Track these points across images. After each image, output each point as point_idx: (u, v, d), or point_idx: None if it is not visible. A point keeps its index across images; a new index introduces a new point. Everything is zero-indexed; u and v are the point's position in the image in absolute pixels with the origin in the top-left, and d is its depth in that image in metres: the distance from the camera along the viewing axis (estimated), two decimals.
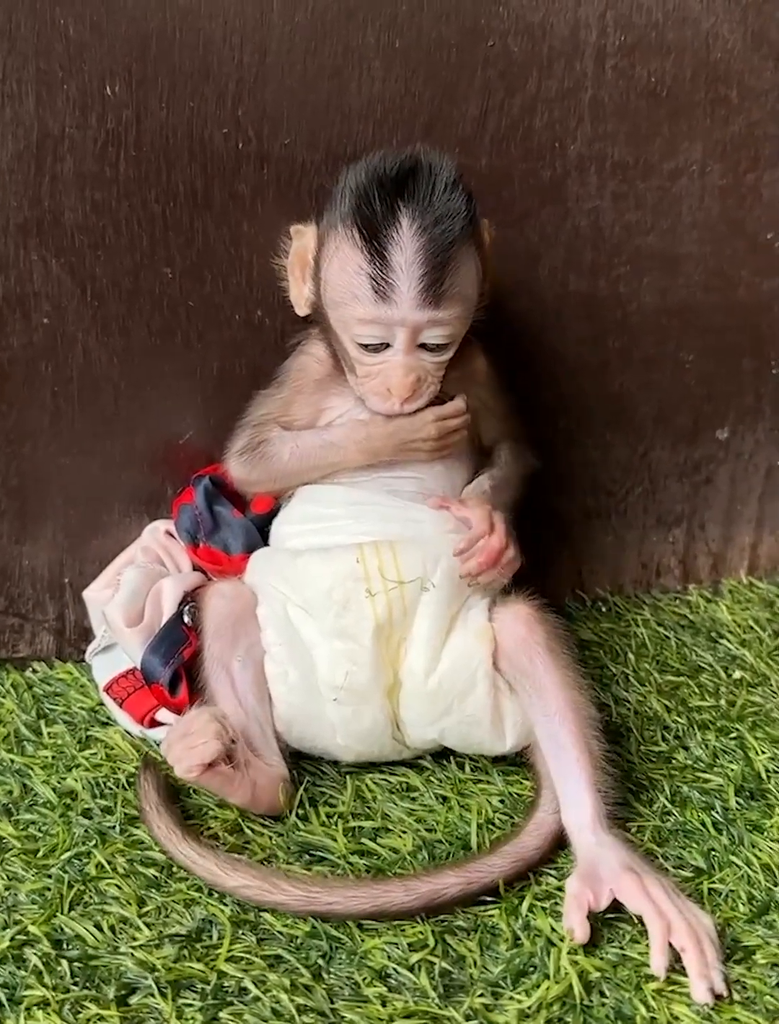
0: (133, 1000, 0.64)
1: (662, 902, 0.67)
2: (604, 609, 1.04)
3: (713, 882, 0.73)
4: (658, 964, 0.65)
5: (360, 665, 0.77)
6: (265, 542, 0.87)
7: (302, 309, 0.83)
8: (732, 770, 0.82)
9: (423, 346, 0.77)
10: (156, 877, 0.72)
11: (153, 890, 0.71)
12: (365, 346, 0.77)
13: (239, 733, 0.76)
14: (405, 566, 0.77)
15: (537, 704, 0.76)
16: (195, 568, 0.89)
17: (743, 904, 0.71)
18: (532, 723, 0.77)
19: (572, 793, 0.73)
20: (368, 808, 0.79)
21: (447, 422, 0.80)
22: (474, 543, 0.78)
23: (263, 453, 0.83)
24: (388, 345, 0.77)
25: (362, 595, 0.77)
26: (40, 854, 0.74)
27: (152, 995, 0.64)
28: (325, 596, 0.77)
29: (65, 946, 0.67)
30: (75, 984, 0.64)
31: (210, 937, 0.68)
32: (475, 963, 0.67)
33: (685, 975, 0.65)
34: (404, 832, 0.76)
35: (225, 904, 0.70)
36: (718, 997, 0.64)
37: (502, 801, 0.79)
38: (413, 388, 0.78)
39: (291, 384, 0.84)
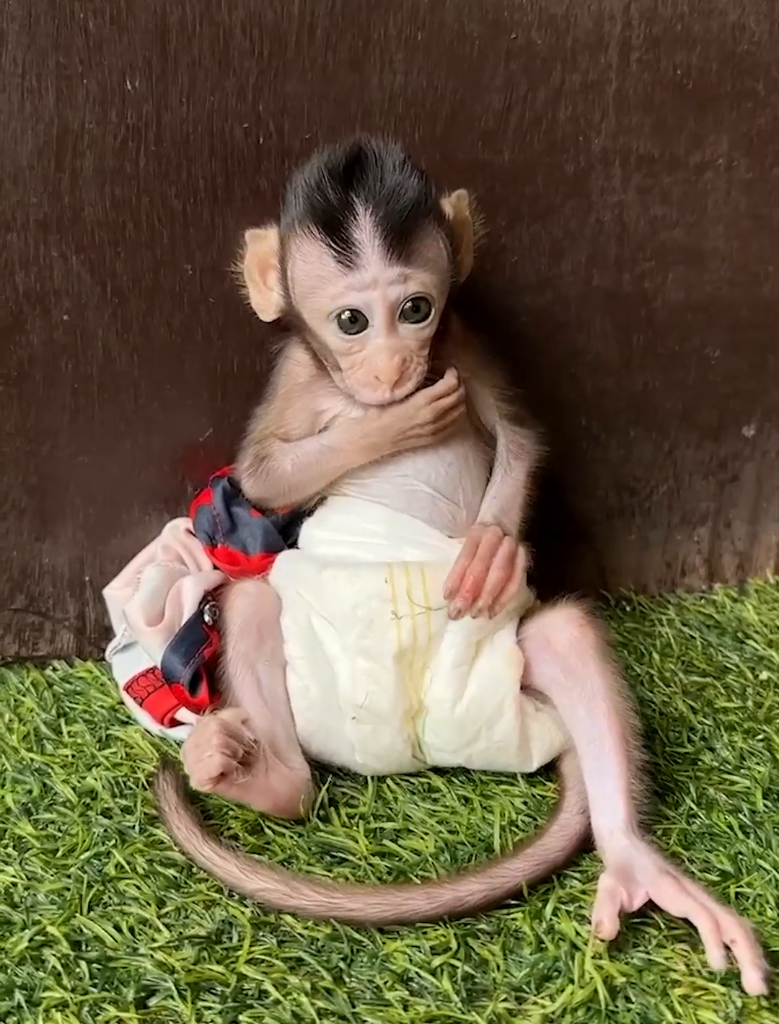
0: (152, 1002, 0.63)
1: (704, 899, 0.67)
2: (628, 609, 1.03)
3: (740, 886, 0.72)
4: (716, 958, 0.65)
5: (382, 686, 0.75)
6: (285, 542, 0.86)
7: (268, 314, 0.82)
8: (759, 772, 0.81)
9: (403, 318, 0.75)
10: (176, 877, 0.72)
11: (173, 891, 0.71)
12: (344, 330, 0.76)
13: (263, 735, 0.75)
14: (433, 591, 0.76)
15: (582, 705, 0.75)
16: (214, 566, 0.88)
17: (771, 908, 0.70)
18: (573, 725, 0.76)
19: (607, 797, 0.72)
20: (389, 809, 0.78)
21: (441, 402, 0.78)
22: (458, 580, 0.75)
23: (267, 469, 0.82)
24: (366, 325, 0.75)
25: (387, 616, 0.75)
26: (59, 854, 0.73)
27: (171, 997, 0.63)
28: (350, 613, 0.76)
29: (84, 947, 0.67)
30: (94, 986, 0.64)
31: (230, 939, 0.67)
32: (498, 967, 0.66)
33: (710, 980, 0.64)
34: (426, 834, 0.76)
35: (245, 905, 0.69)
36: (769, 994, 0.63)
37: (525, 803, 0.79)
38: (400, 370, 0.76)
39: (281, 394, 0.83)
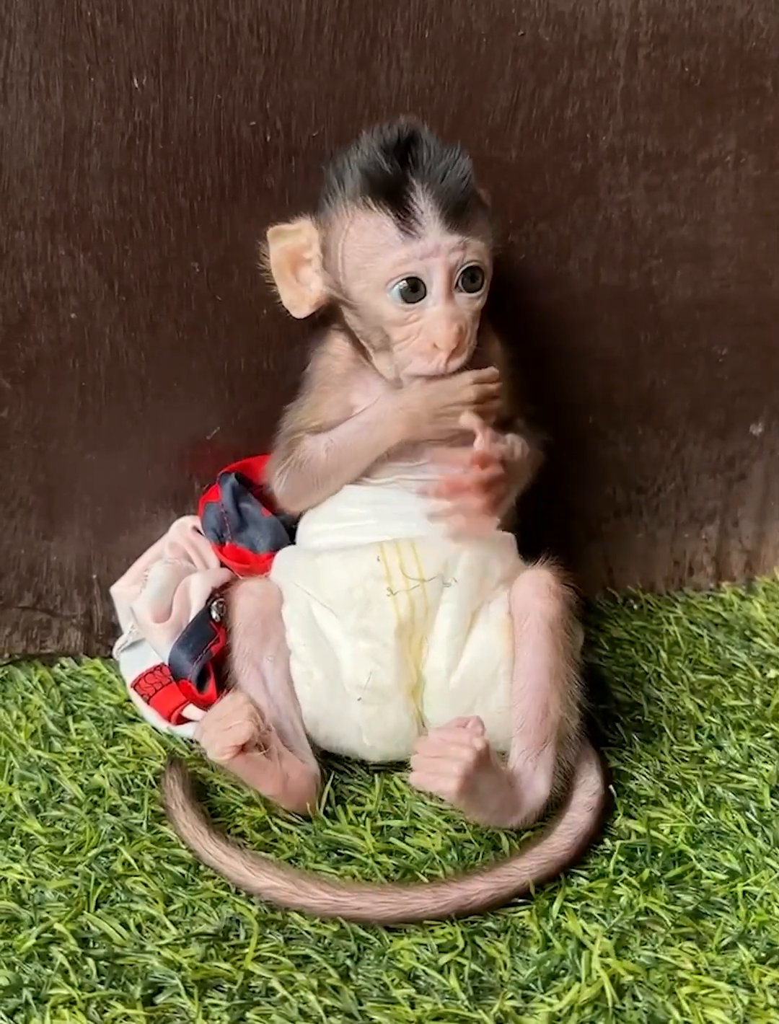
0: (159, 999, 0.63)
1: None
2: (636, 607, 1.03)
3: (748, 885, 0.71)
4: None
5: (383, 665, 0.76)
6: (292, 540, 0.86)
7: (301, 310, 0.81)
8: (767, 771, 0.81)
9: (459, 287, 0.76)
10: (183, 875, 0.72)
11: (180, 888, 0.71)
12: (404, 298, 0.76)
13: (273, 727, 0.76)
14: (426, 563, 0.76)
15: (516, 668, 0.75)
16: (222, 564, 0.88)
17: None
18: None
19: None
20: (397, 807, 0.78)
21: (486, 385, 0.78)
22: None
23: (299, 461, 0.82)
24: (424, 294, 0.76)
25: (383, 594, 0.76)
26: (67, 851, 0.73)
27: (178, 995, 0.63)
28: (347, 595, 0.77)
29: (91, 944, 0.67)
30: (101, 983, 0.64)
31: (237, 936, 0.67)
32: (505, 965, 0.66)
33: (718, 979, 0.64)
34: (433, 832, 0.76)
35: (252, 903, 0.70)
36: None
37: None
38: (458, 339, 0.76)
39: (317, 387, 0.83)
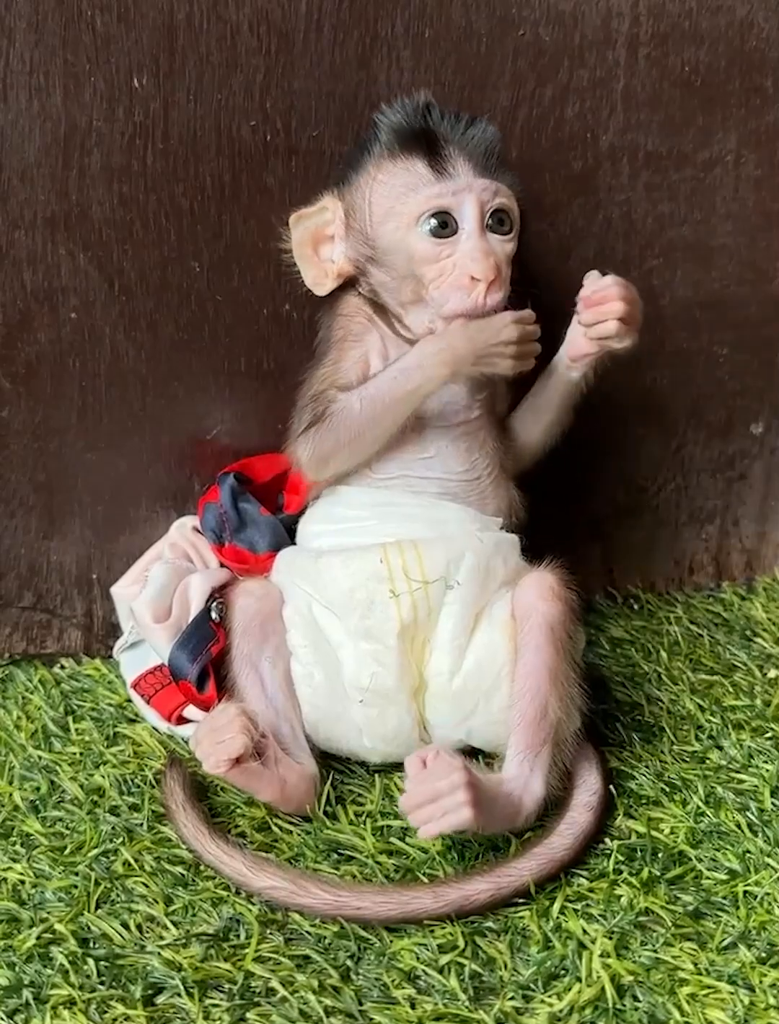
0: (159, 1000, 0.63)
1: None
2: (636, 607, 1.03)
3: (748, 885, 0.71)
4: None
5: (385, 666, 0.76)
6: (293, 541, 0.86)
7: (325, 286, 0.81)
8: (767, 770, 0.81)
9: (490, 229, 0.76)
10: (183, 875, 0.72)
11: (180, 888, 0.71)
12: (435, 234, 0.75)
13: (269, 731, 0.76)
14: (429, 565, 0.76)
15: (518, 671, 0.75)
16: (222, 565, 0.88)
17: None
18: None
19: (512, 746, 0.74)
20: (397, 807, 0.78)
21: (527, 326, 0.77)
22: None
23: (330, 416, 0.78)
24: (455, 231, 0.76)
25: (386, 596, 0.76)
26: (67, 851, 0.73)
27: (179, 995, 0.63)
28: (348, 597, 0.77)
29: (92, 945, 0.67)
30: (101, 983, 0.64)
31: (237, 936, 0.67)
32: (505, 965, 0.66)
33: (718, 979, 0.64)
34: None
35: (252, 903, 0.69)
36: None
37: None
38: (496, 271, 0.76)
39: (336, 344, 0.81)
